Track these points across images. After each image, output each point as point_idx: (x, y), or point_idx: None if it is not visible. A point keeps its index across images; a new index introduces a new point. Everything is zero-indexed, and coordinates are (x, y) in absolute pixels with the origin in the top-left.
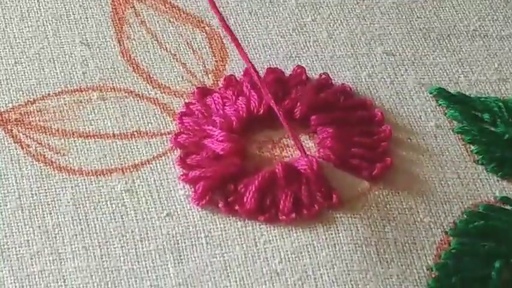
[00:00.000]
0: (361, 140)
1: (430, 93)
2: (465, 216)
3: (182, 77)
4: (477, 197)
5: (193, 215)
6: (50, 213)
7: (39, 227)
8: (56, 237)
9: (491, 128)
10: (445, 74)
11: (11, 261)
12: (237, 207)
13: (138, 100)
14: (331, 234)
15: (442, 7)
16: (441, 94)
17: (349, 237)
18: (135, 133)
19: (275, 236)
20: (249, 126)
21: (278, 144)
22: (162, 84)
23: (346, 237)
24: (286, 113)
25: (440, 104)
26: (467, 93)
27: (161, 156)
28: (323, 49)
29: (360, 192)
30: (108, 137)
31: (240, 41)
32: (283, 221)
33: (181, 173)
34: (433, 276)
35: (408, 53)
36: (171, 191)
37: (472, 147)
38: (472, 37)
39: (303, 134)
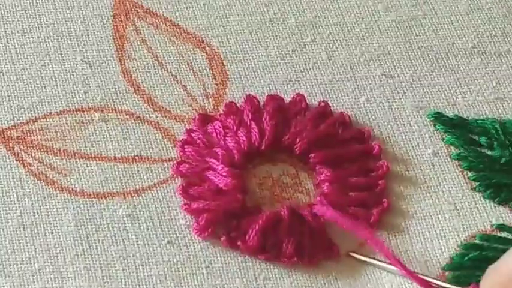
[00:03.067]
0: (359, 181)
1: (428, 117)
2: (461, 249)
3: (183, 101)
4: (474, 227)
5: (194, 245)
6: (52, 232)
7: (41, 245)
8: (57, 256)
9: (488, 152)
10: (443, 95)
11: (12, 277)
12: (239, 243)
13: (139, 123)
14: (330, 281)
15: (440, 24)
16: (439, 119)
17: (347, 286)
18: (137, 157)
19: (275, 274)
20: (248, 159)
21: (277, 182)
22: (163, 108)
23: (345, 285)
24: (287, 148)
25: (438, 129)
26: (465, 115)
27: (162, 183)
28: (322, 72)
29: (358, 243)
30: (109, 160)
31: (240, 63)
32: (285, 263)
33: (184, 203)
34: None
35: (406, 74)
36: (172, 219)
37: (469, 174)
38: (470, 55)
39: (303, 171)
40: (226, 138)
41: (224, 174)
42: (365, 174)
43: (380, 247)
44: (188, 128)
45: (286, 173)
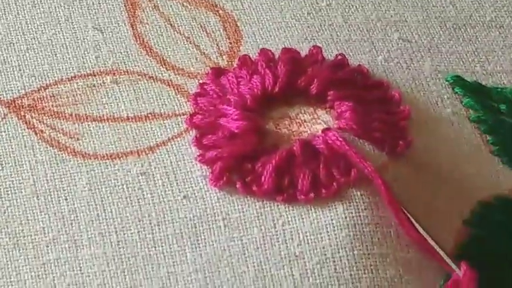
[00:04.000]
0: (381, 116)
1: (447, 80)
2: (479, 207)
3: (196, 59)
4: (492, 188)
5: (210, 197)
6: (66, 199)
7: (55, 213)
8: (71, 224)
9: (508, 119)
10: (461, 62)
11: (26, 249)
12: (254, 188)
13: (151, 82)
14: (351, 213)
15: None
16: (458, 82)
17: (370, 217)
18: (150, 115)
19: (294, 217)
20: (264, 104)
21: (295, 120)
22: (175, 66)
23: (366, 217)
24: (302, 90)
25: (456, 92)
26: (483, 83)
27: (176, 138)
28: (338, 33)
29: (379, 165)
30: (122, 120)
31: (254, 24)
32: (302, 201)
33: (198, 154)
34: None
35: (424, 40)
36: (188, 172)
37: (488, 138)
38: (488, 28)
39: (320, 109)
40: (240, 86)
41: (236, 117)
42: (387, 113)
43: (381, 188)
44: (201, 82)
45: (304, 111)
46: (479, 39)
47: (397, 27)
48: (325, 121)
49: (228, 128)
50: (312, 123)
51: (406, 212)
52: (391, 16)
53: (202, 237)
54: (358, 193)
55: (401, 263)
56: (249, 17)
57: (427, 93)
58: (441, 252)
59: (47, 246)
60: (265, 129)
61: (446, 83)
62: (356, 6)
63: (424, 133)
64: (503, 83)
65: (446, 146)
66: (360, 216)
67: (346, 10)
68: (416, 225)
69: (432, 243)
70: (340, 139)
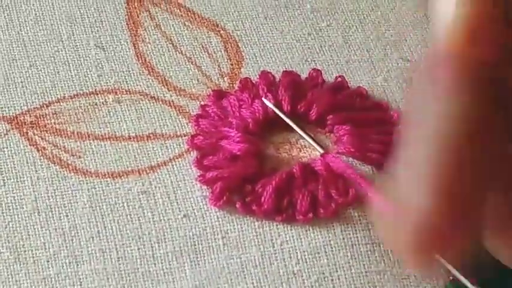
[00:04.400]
0: (379, 138)
1: None
2: None
3: (197, 80)
4: None
5: (210, 216)
6: (67, 216)
7: (56, 229)
8: (72, 240)
9: None
10: None
11: (27, 264)
12: (254, 207)
13: (153, 102)
14: (349, 234)
15: None
16: None
17: (367, 237)
18: (151, 135)
19: (292, 237)
20: (265, 129)
21: (295, 145)
22: (177, 87)
23: (364, 237)
24: (302, 115)
25: None
26: None
27: (177, 158)
28: (338, 54)
29: (377, 185)
30: (123, 139)
31: (255, 45)
32: (301, 221)
33: (199, 174)
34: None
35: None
36: (188, 192)
37: None
38: None
39: (320, 134)
40: (241, 109)
41: (238, 140)
42: (385, 135)
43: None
44: (203, 104)
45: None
46: None
47: (397, 47)
48: (324, 146)
49: (230, 150)
50: (312, 149)
51: None
52: (391, 36)
53: (202, 254)
54: (356, 214)
55: (399, 279)
56: (250, 38)
57: None
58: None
59: (48, 261)
60: (265, 153)
61: None
62: (356, 26)
63: None
64: None
65: None
66: (357, 237)
67: (346, 30)
68: None
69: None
70: (338, 160)
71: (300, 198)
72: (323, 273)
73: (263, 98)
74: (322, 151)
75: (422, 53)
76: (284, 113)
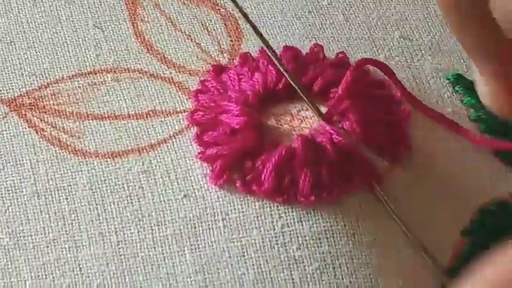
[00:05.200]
0: (383, 117)
1: (448, 79)
2: (478, 215)
3: (197, 56)
4: (492, 192)
5: (210, 196)
6: (66, 199)
7: (55, 213)
8: (72, 224)
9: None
10: (461, 61)
11: (26, 249)
12: (254, 187)
13: (152, 80)
14: (351, 222)
15: None
16: (458, 80)
17: (369, 228)
18: (151, 112)
19: (293, 220)
20: (266, 101)
21: (296, 116)
22: (176, 64)
23: (365, 227)
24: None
25: (457, 91)
26: None
27: (177, 135)
28: (339, 31)
29: (381, 173)
30: (123, 118)
31: (255, 22)
32: (302, 203)
33: (199, 151)
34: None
35: (425, 38)
36: (188, 170)
37: (488, 137)
38: None
39: (323, 106)
40: (241, 83)
41: (237, 113)
42: (388, 112)
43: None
44: (202, 79)
45: (306, 108)
46: None
47: (398, 26)
48: (327, 118)
49: (229, 124)
50: (313, 120)
51: None
52: (392, 15)
53: (202, 238)
54: (358, 203)
55: (400, 273)
56: (250, 16)
57: (428, 92)
58: None
59: (47, 247)
60: (266, 125)
61: (447, 81)
62: (357, 5)
63: (424, 134)
64: None
65: (446, 147)
66: (359, 226)
67: (347, 9)
68: None
69: None
70: (347, 139)
71: (302, 178)
72: (324, 261)
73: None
74: (321, 118)
75: (423, 32)
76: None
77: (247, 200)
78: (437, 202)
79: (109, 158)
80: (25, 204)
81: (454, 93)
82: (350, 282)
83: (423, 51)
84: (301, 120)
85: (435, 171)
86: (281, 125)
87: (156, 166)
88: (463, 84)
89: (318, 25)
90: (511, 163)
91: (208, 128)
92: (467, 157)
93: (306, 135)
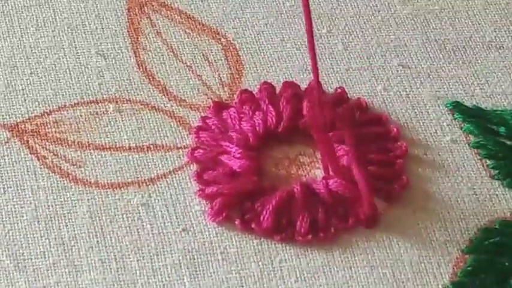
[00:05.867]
0: (378, 157)
1: (446, 106)
2: (481, 233)
3: (198, 90)
4: (493, 213)
5: (209, 231)
6: (66, 225)
7: (55, 238)
8: (72, 250)
9: (507, 142)
10: (460, 86)
11: (27, 272)
12: (253, 225)
13: (154, 112)
14: (347, 257)
15: (457, 18)
16: (457, 108)
17: (365, 261)
18: (151, 146)
19: (291, 256)
20: (265, 142)
21: (294, 162)
22: (178, 97)
23: (362, 260)
24: (303, 129)
25: (456, 118)
26: (483, 106)
27: (177, 171)
28: (338, 61)
29: (376, 213)
30: (124, 150)
31: (255, 54)
32: (299, 242)
33: (198, 189)
34: (451, 280)
35: (424, 65)
36: (187, 206)
37: (488, 162)
38: (487, 48)
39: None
40: (242, 122)
41: (238, 156)
42: (383, 153)
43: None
44: (203, 115)
45: (304, 153)
46: (479, 60)
47: (397, 53)
48: (323, 166)
49: (230, 165)
50: (310, 166)
51: None
52: (391, 41)
53: (201, 268)
54: (354, 239)
55: None
56: (250, 46)
57: (427, 121)
58: None
59: (47, 270)
60: (264, 169)
61: (446, 109)
62: (356, 32)
63: (423, 166)
64: (503, 104)
65: (445, 177)
66: (355, 259)
67: (347, 36)
68: None
69: None
70: (342, 185)
71: (300, 219)
72: None
73: None
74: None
75: (422, 59)
76: None
77: (245, 236)
78: (436, 227)
79: (109, 188)
80: (25, 228)
81: (453, 121)
82: None
83: (422, 79)
84: (298, 167)
85: (433, 201)
86: (279, 170)
87: (155, 200)
88: (461, 111)
89: (318, 55)
90: (509, 184)
91: (208, 166)
92: (468, 182)
93: (305, 182)
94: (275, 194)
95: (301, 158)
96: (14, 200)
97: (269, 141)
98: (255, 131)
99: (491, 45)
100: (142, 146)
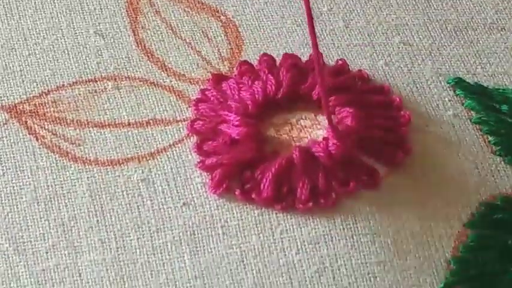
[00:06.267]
0: (381, 122)
1: (448, 83)
2: (483, 208)
3: (197, 65)
4: (495, 188)
5: (209, 204)
6: (66, 206)
7: (55, 219)
8: (71, 230)
9: (509, 119)
10: (462, 65)
11: (26, 255)
12: (253, 196)
13: (153, 88)
14: (349, 224)
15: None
16: (459, 84)
17: (367, 228)
18: (151, 121)
19: (292, 225)
20: (265, 110)
21: (296, 125)
22: (177, 72)
23: (364, 227)
24: (304, 96)
25: (458, 94)
26: (484, 85)
27: (177, 144)
28: (339, 38)
29: (378, 178)
30: (123, 126)
31: (255, 30)
32: (300, 210)
33: (198, 160)
34: (451, 269)
35: (425, 43)
36: (187, 179)
37: (490, 138)
38: (489, 30)
39: (321, 114)
40: (241, 92)
41: (237, 124)
42: (387, 119)
43: None
44: (202, 88)
45: (305, 117)
46: (481, 41)
47: (398, 31)
48: (325, 126)
49: (229, 134)
50: (312, 128)
51: None
52: (392, 20)
53: (201, 244)
54: (356, 204)
55: (399, 270)
56: (250, 23)
57: (429, 96)
58: None
59: (47, 252)
60: (265, 136)
61: (448, 85)
62: (357, 11)
63: (425, 137)
64: (505, 84)
65: (447, 149)
66: (357, 227)
67: (347, 15)
68: None
69: None
70: (341, 148)
71: (300, 186)
72: (323, 264)
73: None
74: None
75: (423, 37)
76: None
77: (246, 207)
78: (438, 199)
79: (109, 165)
80: (25, 210)
81: (454, 97)
82: (349, 283)
83: (423, 56)
84: (300, 130)
85: (436, 171)
86: (280, 135)
87: (155, 174)
88: (463, 87)
89: (318, 32)
90: (510, 161)
91: (208, 137)
92: (470, 157)
93: (304, 146)
94: (275, 161)
95: (303, 121)
96: (13, 181)
97: (269, 109)
98: (254, 99)
99: (493, 26)
100: (142, 121)
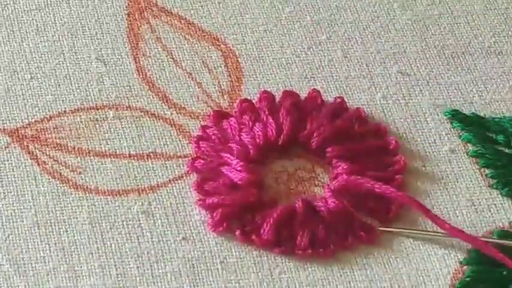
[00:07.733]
0: (376, 174)
1: (445, 115)
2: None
3: (198, 98)
4: (491, 223)
5: (209, 241)
6: (66, 231)
7: (55, 244)
8: (72, 255)
9: (506, 150)
10: (459, 93)
11: (26, 277)
12: (253, 237)
13: (153, 120)
14: (346, 272)
15: (456, 23)
16: (456, 117)
17: (364, 275)
18: (151, 154)
19: (290, 268)
20: (264, 153)
21: (293, 176)
22: (177, 105)
23: (361, 275)
24: (303, 144)
25: (454, 127)
26: (481, 113)
27: (177, 180)
28: (338, 69)
29: (374, 233)
30: (124, 157)
31: (255, 61)
32: (299, 256)
33: (198, 198)
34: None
35: (423, 72)
36: (187, 215)
37: (487, 171)
38: (486, 54)
39: (319, 166)
40: (242, 133)
41: (239, 169)
42: (382, 169)
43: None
44: (203, 124)
45: (303, 168)
46: (478, 67)
47: (396, 60)
48: (322, 182)
49: (230, 177)
50: (310, 183)
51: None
52: (390, 48)
53: (201, 276)
54: (353, 256)
55: None
56: (250, 53)
57: (426, 130)
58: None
59: (47, 275)
60: (264, 182)
61: (445, 117)
62: (355, 39)
63: (422, 179)
64: (502, 111)
65: (444, 189)
66: (354, 275)
67: (346, 43)
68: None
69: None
70: (341, 205)
71: (300, 234)
72: None
73: None
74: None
75: (421, 65)
76: None
77: (245, 248)
78: (434, 241)
79: (109, 195)
80: (25, 233)
81: (451, 130)
82: None
83: (421, 87)
84: (297, 182)
85: (433, 211)
86: (278, 184)
87: (155, 208)
88: (460, 120)
89: (317, 63)
90: (507, 194)
91: (209, 177)
92: (467, 193)
93: (306, 198)
94: (276, 207)
95: (300, 172)
96: (14, 205)
97: (269, 153)
98: (255, 143)
99: (490, 50)
100: (143, 153)
